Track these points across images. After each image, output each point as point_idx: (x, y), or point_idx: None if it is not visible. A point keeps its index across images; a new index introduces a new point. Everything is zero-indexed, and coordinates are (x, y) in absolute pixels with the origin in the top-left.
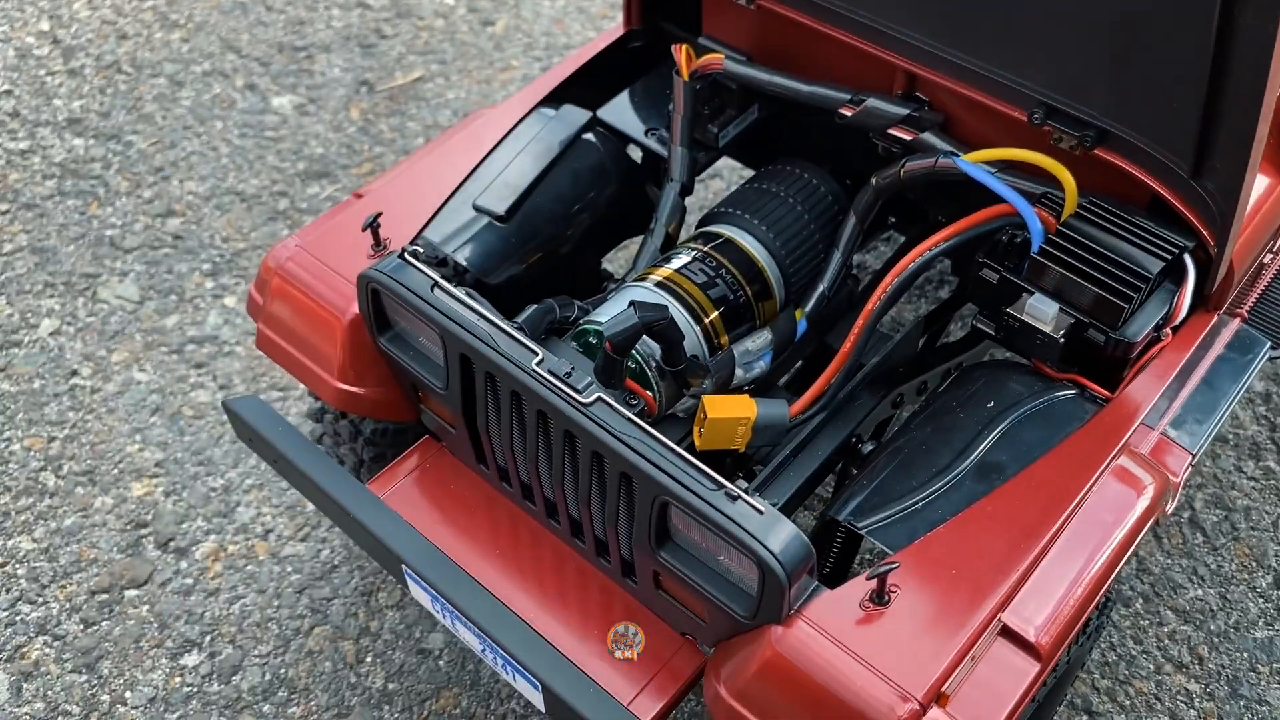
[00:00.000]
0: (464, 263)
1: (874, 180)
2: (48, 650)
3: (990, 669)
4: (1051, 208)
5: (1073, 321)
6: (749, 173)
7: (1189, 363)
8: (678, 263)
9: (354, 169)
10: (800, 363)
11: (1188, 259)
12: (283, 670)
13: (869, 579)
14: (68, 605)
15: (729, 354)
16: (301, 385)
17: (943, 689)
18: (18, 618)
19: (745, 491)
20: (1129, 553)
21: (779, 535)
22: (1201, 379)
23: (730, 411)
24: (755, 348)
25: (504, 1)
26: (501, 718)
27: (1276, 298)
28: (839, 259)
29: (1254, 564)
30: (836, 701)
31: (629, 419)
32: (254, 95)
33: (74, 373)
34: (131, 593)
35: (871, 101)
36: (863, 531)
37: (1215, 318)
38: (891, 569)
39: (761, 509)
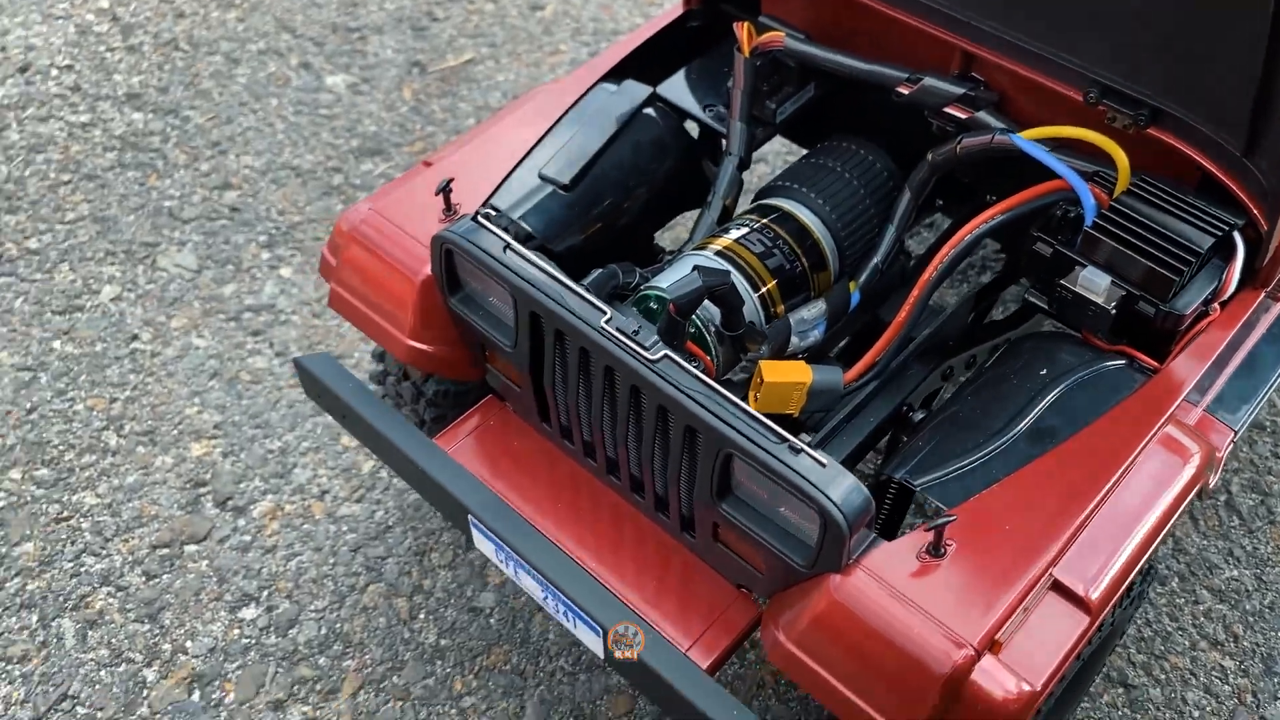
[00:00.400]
0: (529, 229)
1: (930, 156)
2: (111, 600)
3: (1041, 621)
4: (1104, 184)
5: (1124, 294)
6: (792, 156)
7: (1235, 339)
8: (736, 233)
9: (406, 147)
10: (850, 335)
11: (1237, 236)
12: (338, 625)
13: (927, 530)
14: (130, 558)
15: (785, 322)
16: (356, 353)
17: (996, 637)
18: (82, 569)
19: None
20: (1175, 517)
21: (841, 486)
22: (1244, 361)
23: (787, 376)
24: (810, 317)
25: None
26: (550, 674)
27: None
28: (893, 233)
29: None
30: (893, 647)
31: (695, 375)
32: (308, 74)
33: (134, 337)
34: (191, 548)
35: (928, 80)
36: (918, 488)
37: (1261, 296)
38: (949, 521)
39: (824, 462)
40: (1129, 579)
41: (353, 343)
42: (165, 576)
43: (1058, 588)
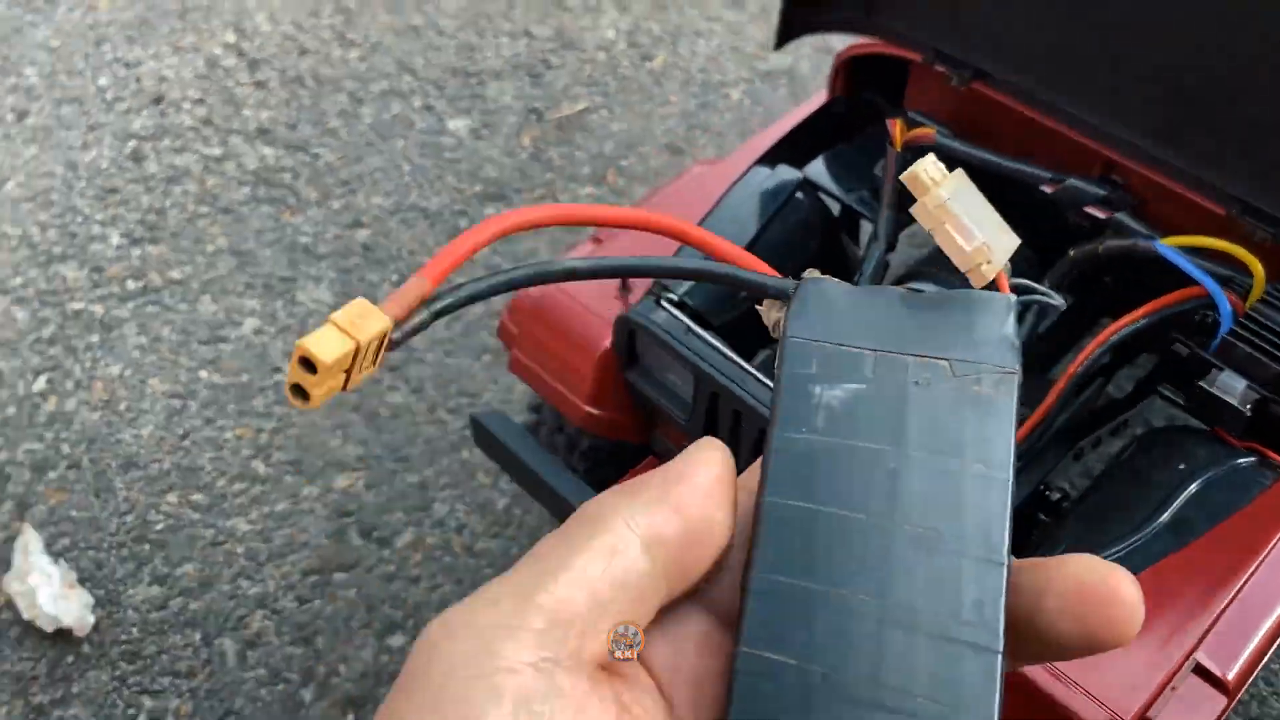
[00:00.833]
0: (693, 304)
1: (1071, 252)
2: (268, 622)
3: (1185, 700)
4: (1238, 291)
5: (1258, 397)
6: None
7: None
8: None
9: (527, 193)
10: None
11: None
12: None
13: None
14: (283, 583)
15: None
16: (486, 393)
17: (1147, 715)
18: (239, 591)
19: None
20: None
21: None
22: None
23: None
24: None
25: (662, 38)
26: None
27: None
28: (1031, 318)
29: None
30: (1048, 716)
31: None
32: (431, 116)
33: (277, 369)
34: (340, 575)
35: (1071, 181)
36: None
37: None
38: None
39: None
40: (1263, 661)
41: (483, 383)
42: (317, 602)
43: (1200, 671)
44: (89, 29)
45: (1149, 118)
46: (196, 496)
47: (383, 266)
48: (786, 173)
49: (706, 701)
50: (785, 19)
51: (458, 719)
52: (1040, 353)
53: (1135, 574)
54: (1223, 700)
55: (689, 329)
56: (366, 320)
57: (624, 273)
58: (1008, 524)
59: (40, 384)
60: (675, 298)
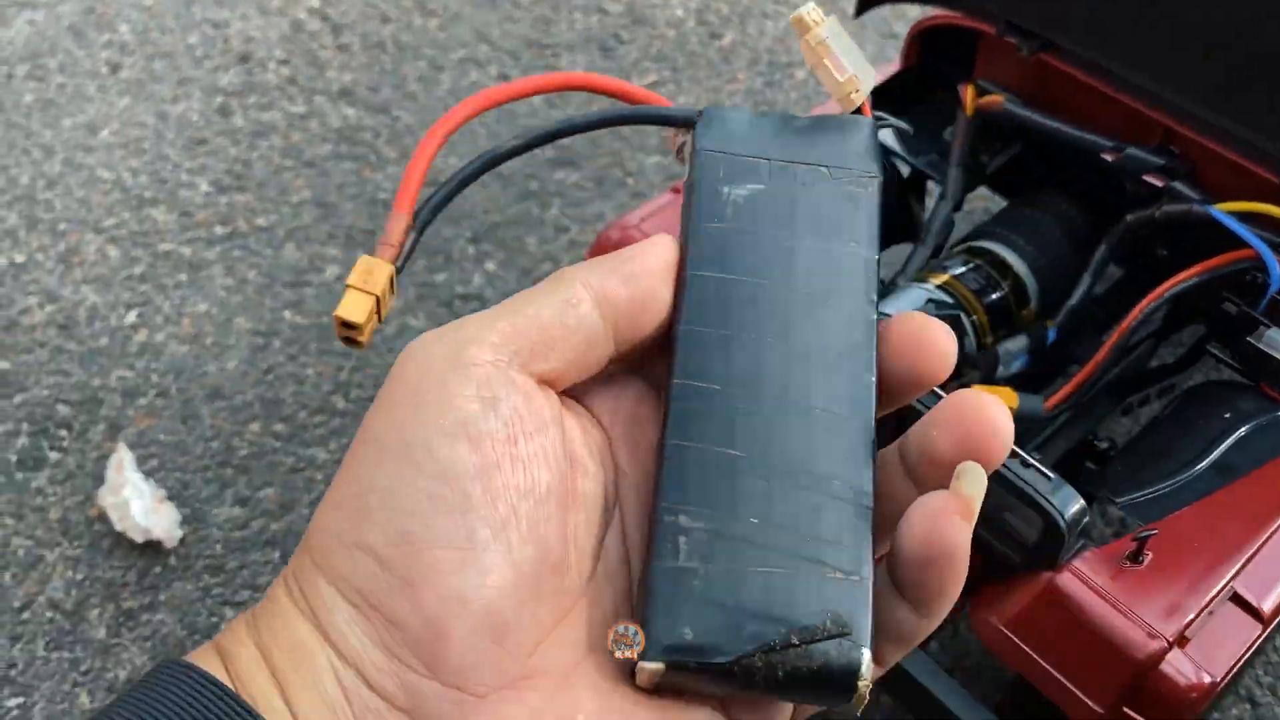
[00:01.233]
0: None
1: (1129, 217)
2: None
3: (1221, 625)
4: None
5: None
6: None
7: None
8: (954, 270)
9: (594, 161)
10: (1041, 368)
11: None
12: None
13: (1132, 540)
14: None
15: (994, 352)
16: None
17: (1184, 634)
18: None
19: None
20: None
21: (1064, 498)
22: None
23: (997, 397)
24: (1015, 349)
25: (731, 18)
26: None
27: None
28: (1088, 280)
29: None
30: (1096, 634)
31: (935, 392)
32: None
33: None
34: None
35: (1131, 150)
36: (1120, 505)
37: None
38: (1152, 535)
39: (1050, 476)
40: None
41: None
42: None
43: (1236, 599)
44: None
45: (1207, 85)
46: (278, 426)
47: (456, 224)
48: None
49: (642, 436)
50: None
51: (433, 398)
52: (1098, 317)
53: (1178, 510)
54: (1258, 627)
55: None
56: (375, 274)
57: (546, 138)
58: (874, 284)
59: (131, 317)
60: None
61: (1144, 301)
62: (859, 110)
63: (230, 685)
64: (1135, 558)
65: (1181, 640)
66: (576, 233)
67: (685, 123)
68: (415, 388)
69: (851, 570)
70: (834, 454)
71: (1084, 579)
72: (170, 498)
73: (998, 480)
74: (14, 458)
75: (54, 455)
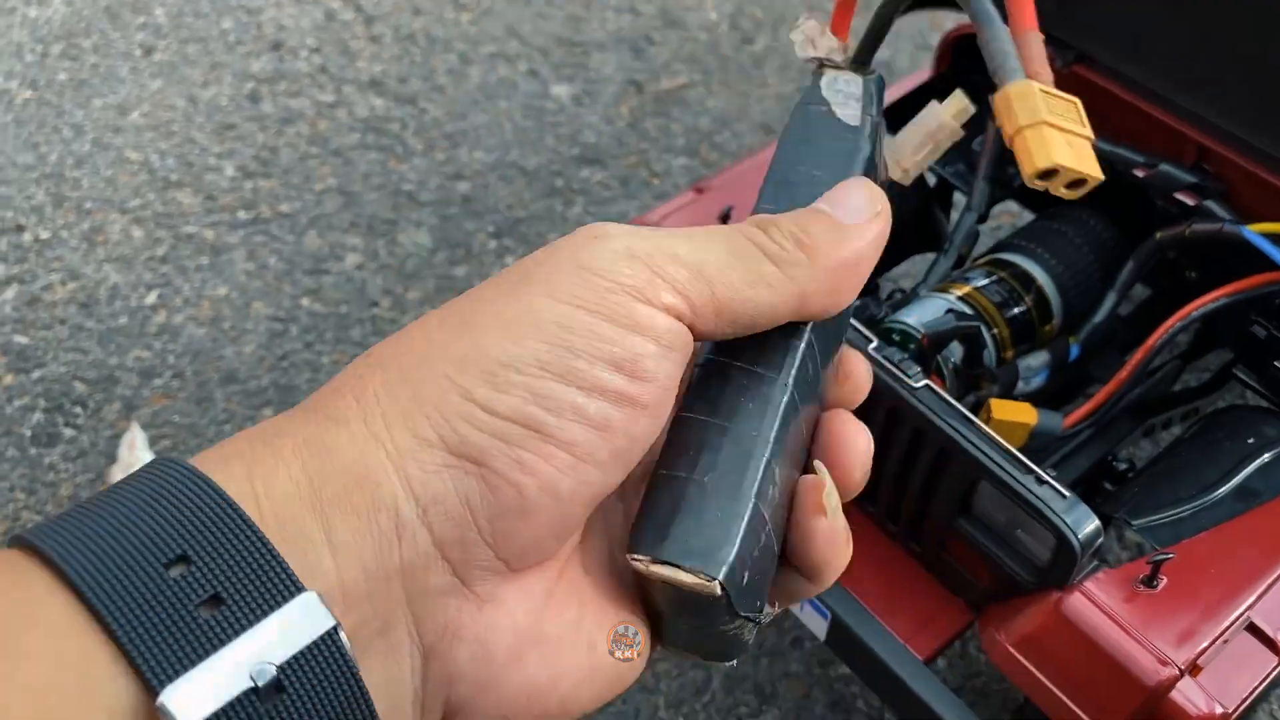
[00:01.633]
0: None
1: (1158, 235)
2: None
3: (1236, 656)
4: None
5: None
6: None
7: None
8: (977, 282)
9: (621, 160)
10: (1061, 385)
11: None
12: None
13: (1147, 563)
14: None
15: (1014, 366)
16: None
17: (1196, 662)
18: None
19: (1052, 479)
20: None
21: (1079, 517)
22: None
23: (1013, 415)
24: (1036, 364)
25: (764, 24)
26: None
27: None
28: (1114, 297)
29: None
30: (1106, 658)
31: (954, 406)
32: (535, 81)
33: (374, 304)
34: None
35: (1164, 167)
36: (1135, 527)
37: None
38: (1166, 559)
39: (1065, 494)
40: None
41: None
42: None
43: (1253, 629)
44: None
45: (1245, 104)
46: None
47: (480, 217)
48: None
49: None
50: None
51: (619, 314)
52: (1123, 337)
53: (1196, 534)
54: (1274, 659)
55: None
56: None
57: None
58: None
59: (151, 298)
60: None
61: (1170, 320)
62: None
63: (252, 508)
64: (1149, 581)
65: (1194, 669)
66: None
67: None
68: (601, 291)
69: (730, 508)
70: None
71: (1095, 601)
72: None
73: (1012, 497)
74: (29, 433)
75: (68, 432)
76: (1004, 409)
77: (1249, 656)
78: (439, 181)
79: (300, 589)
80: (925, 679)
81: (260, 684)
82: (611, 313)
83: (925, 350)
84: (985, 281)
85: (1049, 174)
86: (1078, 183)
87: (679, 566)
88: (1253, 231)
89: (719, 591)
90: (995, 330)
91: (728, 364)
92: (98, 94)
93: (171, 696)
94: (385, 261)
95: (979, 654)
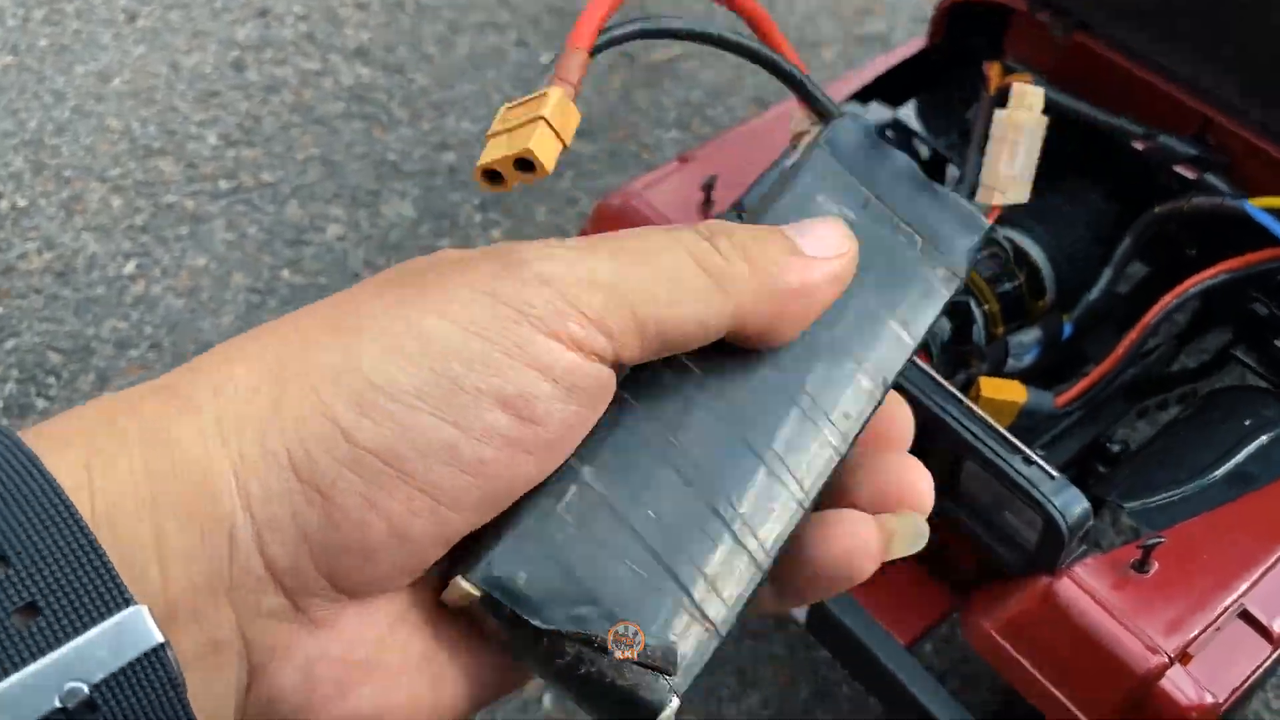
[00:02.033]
0: None
1: (1156, 209)
2: None
3: (1228, 644)
4: None
5: None
6: None
7: None
8: None
9: (613, 132)
10: (1053, 363)
11: None
12: None
13: (1138, 548)
14: None
15: (1004, 343)
16: None
17: (1187, 650)
18: None
19: (1041, 459)
20: None
21: (1067, 499)
22: None
23: (1003, 394)
24: (1027, 341)
25: None
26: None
27: None
28: (1110, 274)
29: None
30: (1094, 645)
31: (938, 381)
32: (524, 51)
33: (356, 275)
34: None
35: (1164, 139)
36: (1127, 510)
37: None
38: (1158, 543)
39: (1054, 474)
40: None
41: None
42: None
43: (1246, 617)
44: None
45: (1245, 75)
46: None
47: (466, 188)
48: (879, 111)
49: None
50: None
51: (505, 341)
52: (1119, 315)
53: (1190, 518)
54: (1268, 648)
55: None
56: (569, 120)
57: (703, 38)
58: (896, 372)
59: (130, 268)
60: (746, 213)
61: (1167, 297)
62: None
63: (85, 503)
64: (1140, 567)
65: (1184, 657)
66: (586, 205)
67: (823, 113)
68: (501, 319)
69: (712, 619)
70: (761, 501)
71: (1084, 586)
72: None
73: (998, 476)
74: (0, 404)
75: (41, 404)
76: (993, 387)
77: (1242, 644)
78: (424, 152)
79: (129, 601)
80: (907, 664)
81: (70, 705)
82: (508, 344)
83: None
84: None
85: (492, 175)
86: (523, 165)
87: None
88: (1255, 206)
89: (475, 594)
90: (985, 306)
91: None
92: (79, 60)
93: None
94: (367, 233)
95: None
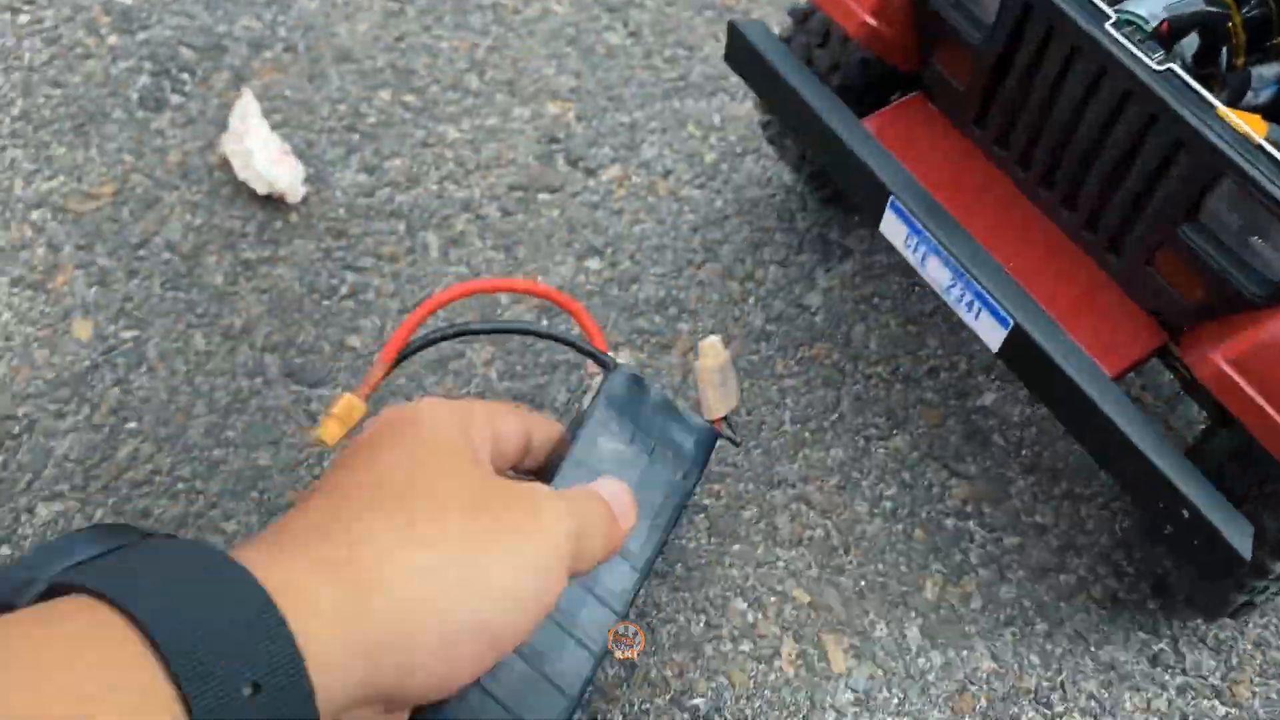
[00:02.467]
0: None
1: None
2: (471, 226)
3: None
4: None
5: None
6: None
7: None
8: None
9: None
10: None
11: None
12: (675, 291)
13: None
14: (489, 193)
15: (1246, 74)
16: (707, 48)
17: None
18: (445, 193)
19: None
20: None
21: None
22: None
23: (1245, 124)
24: (1269, 75)
25: None
26: (867, 377)
27: None
28: None
29: None
30: None
31: (1200, 92)
32: None
33: None
34: (544, 196)
35: None
36: None
37: None
38: None
39: None
40: None
41: (703, 36)
42: (520, 216)
43: None
44: None
45: None
46: (409, 97)
47: None
48: None
49: None
50: None
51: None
52: None
53: None
54: None
55: None
56: (353, 412)
57: (500, 330)
58: (646, 566)
59: None
60: None
61: None
62: (714, 422)
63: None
64: None
65: None
66: None
67: (602, 365)
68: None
69: (564, 687)
70: (594, 626)
71: None
72: (294, 154)
73: (1255, 190)
74: (135, 95)
75: (175, 98)
76: (1234, 117)
77: None
78: None
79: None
80: (1114, 397)
81: None
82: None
83: (1164, 38)
84: None
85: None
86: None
87: None
88: None
89: None
90: (1234, 33)
91: None
92: None
93: None
94: None
95: (1143, 392)
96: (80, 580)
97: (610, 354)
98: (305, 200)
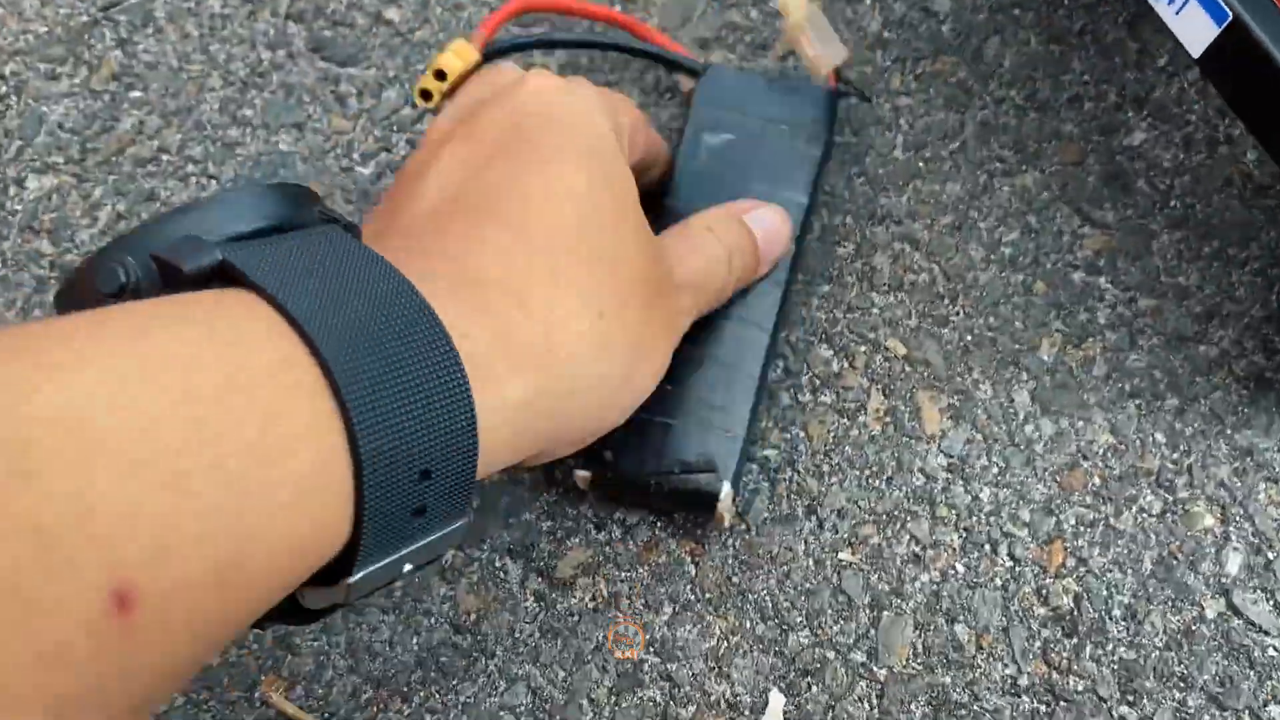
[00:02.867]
0: None
1: None
2: None
3: None
4: None
5: None
6: None
7: None
8: None
9: None
10: None
11: None
12: None
13: None
14: None
15: None
16: None
17: None
18: None
19: None
20: None
21: None
22: None
23: None
24: None
25: None
26: (999, 101)
27: None
28: None
29: None
30: None
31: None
32: None
33: None
34: None
35: None
36: None
37: None
38: None
39: None
40: None
41: None
42: None
43: None
44: None
45: None
46: None
47: None
48: None
49: None
50: None
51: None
52: None
53: None
54: None
55: None
56: (466, 58)
57: (576, 44)
58: (797, 226)
59: None
60: None
61: None
62: (827, 80)
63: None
64: None
65: None
66: None
67: (690, 72)
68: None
69: (730, 429)
70: (742, 350)
71: None
72: None
73: None
74: None
75: None
76: None
77: None
78: None
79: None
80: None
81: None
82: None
83: None
84: None
85: (425, 94)
86: (440, 75)
87: None
88: None
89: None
90: None
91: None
92: None
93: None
94: None
95: None
96: (261, 280)
97: (699, 59)
98: None
